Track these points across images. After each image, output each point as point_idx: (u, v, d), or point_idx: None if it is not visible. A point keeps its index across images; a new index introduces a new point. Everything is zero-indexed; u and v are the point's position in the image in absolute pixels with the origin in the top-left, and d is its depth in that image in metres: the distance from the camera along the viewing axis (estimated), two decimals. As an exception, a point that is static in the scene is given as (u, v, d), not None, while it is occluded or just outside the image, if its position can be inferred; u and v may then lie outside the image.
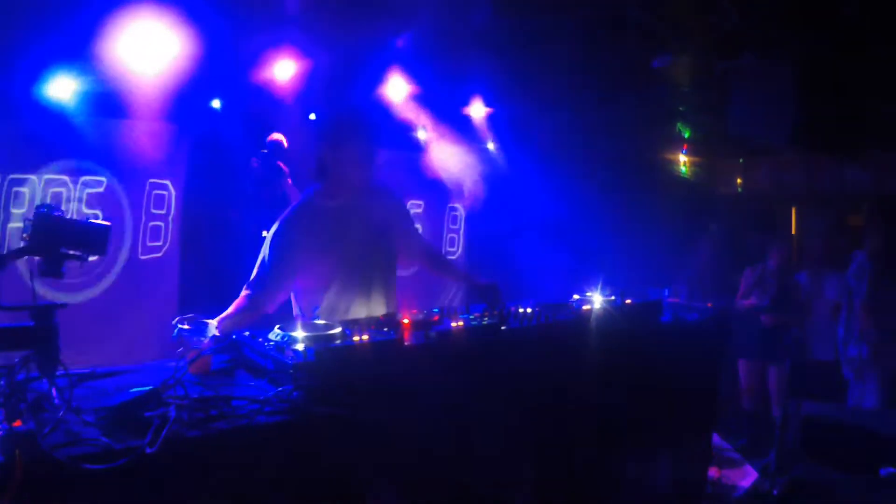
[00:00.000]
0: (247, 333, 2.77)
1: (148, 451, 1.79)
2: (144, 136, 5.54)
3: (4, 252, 2.20)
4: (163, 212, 5.75)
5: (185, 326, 2.66)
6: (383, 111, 6.42)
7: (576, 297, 3.91)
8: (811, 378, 6.59)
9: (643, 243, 8.21)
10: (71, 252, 2.34)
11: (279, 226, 3.53)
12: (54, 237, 2.28)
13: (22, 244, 2.29)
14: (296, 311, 3.64)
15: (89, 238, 2.37)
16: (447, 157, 7.58)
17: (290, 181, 6.07)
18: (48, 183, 5.05)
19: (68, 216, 2.34)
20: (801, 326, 6.92)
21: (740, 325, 6.88)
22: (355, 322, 2.96)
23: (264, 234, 3.63)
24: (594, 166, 8.51)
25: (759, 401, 6.82)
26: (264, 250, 3.51)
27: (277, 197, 5.93)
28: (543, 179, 8.21)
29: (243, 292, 3.44)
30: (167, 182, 5.76)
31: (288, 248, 3.46)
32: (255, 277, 3.48)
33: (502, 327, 3.05)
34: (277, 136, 6.02)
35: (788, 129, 4.98)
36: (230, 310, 3.31)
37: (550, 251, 7.40)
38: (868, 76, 5.22)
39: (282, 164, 5.97)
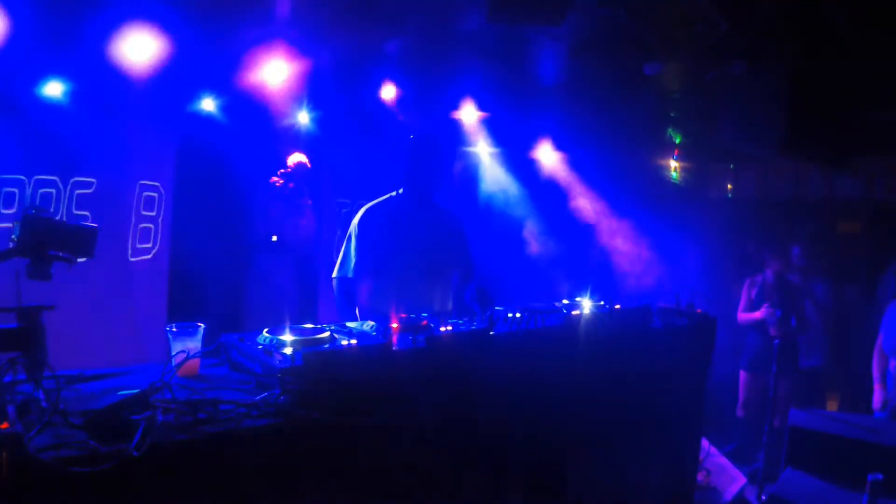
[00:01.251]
0: (238, 337, 2.77)
1: (135, 454, 1.79)
2: (135, 137, 5.54)
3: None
4: (153, 214, 5.74)
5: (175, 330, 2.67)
6: (377, 113, 6.46)
7: (565, 301, 3.92)
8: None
9: (633, 248, 8.24)
10: (59, 254, 2.35)
11: (363, 215, 4.22)
12: (42, 239, 2.28)
13: (10, 246, 2.29)
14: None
15: (77, 240, 2.37)
16: None
17: (309, 202, 6.11)
18: (38, 184, 5.03)
19: (57, 218, 2.34)
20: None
21: (742, 337, 6.90)
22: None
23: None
24: (585, 172, 8.55)
25: (754, 411, 6.79)
26: (348, 238, 4.20)
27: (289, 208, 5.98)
28: (533, 184, 8.25)
29: (334, 283, 4.23)
30: (157, 184, 5.75)
31: (369, 233, 4.14)
32: (340, 263, 4.19)
33: (491, 332, 3.06)
34: (301, 157, 6.05)
35: (777, 136, 5.00)
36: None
37: (539, 256, 7.42)
38: (857, 84, 5.25)
39: (301, 185, 6.04)
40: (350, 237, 4.20)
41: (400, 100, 6.39)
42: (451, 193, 4.56)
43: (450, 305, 4.30)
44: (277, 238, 5.99)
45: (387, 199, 4.35)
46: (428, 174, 4.26)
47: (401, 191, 4.34)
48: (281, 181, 5.98)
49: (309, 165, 6.11)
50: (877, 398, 5.82)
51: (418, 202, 4.31)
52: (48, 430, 1.91)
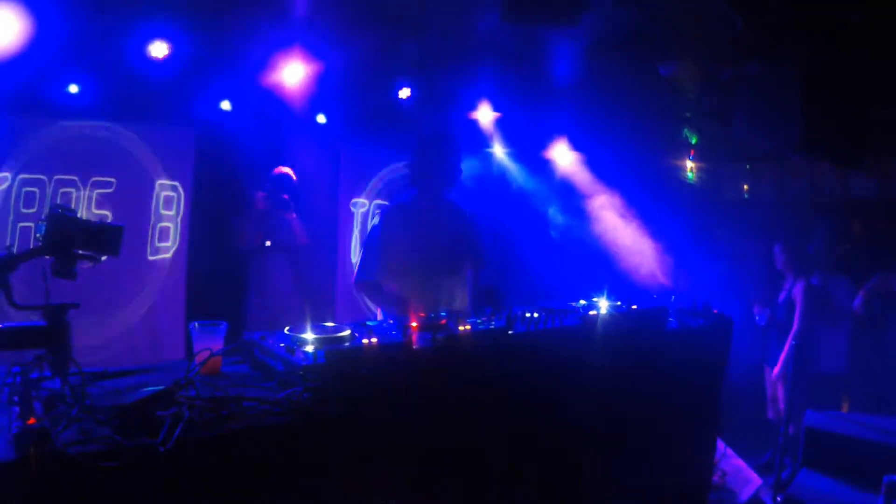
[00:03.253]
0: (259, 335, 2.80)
1: (161, 449, 1.82)
2: (154, 138, 5.58)
3: (15, 252, 2.23)
4: (171, 213, 5.78)
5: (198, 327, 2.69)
6: (392, 113, 6.47)
7: (582, 302, 3.93)
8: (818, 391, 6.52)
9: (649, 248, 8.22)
10: (84, 253, 2.37)
11: (380, 219, 4.32)
12: (68, 238, 2.30)
13: (35, 244, 2.32)
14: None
15: (103, 239, 2.39)
16: None
17: (294, 215, 6.13)
18: (58, 184, 5.08)
19: (79, 217, 2.36)
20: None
21: (766, 335, 6.88)
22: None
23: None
24: (601, 171, 8.54)
25: (780, 411, 6.72)
26: (368, 240, 4.31)
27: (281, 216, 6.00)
28: (548, 184, 8.24)
29: (357, 286, 4.34)
30: (176, 184, 5.79)
31: (388, 235, 4.21)
32: (361, 265, 4.24)
33: (509, 332, 3.07)
34: (285, 169, 6.07)
35: (793, 136, 4.98)
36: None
37: (556, 256, 7.41)
38: (873, 83, 5.23)
39: (287, 198, 6.05)
40: (370, 240, 4.29)
41: (416, 100, 6.41)
42: (461, 189, 4.60)
43: (465, 300, 4.40)
44: (271, 244, 6.00)
45: (403, 199, 4.45)
46: (439, 172, 4.34)
47: (415, 190, 4.42)
48: (263, 194, 6.02)
49: (294, 178, 6.14)
50: None
51: (432, 200, 4.40)
52: (74, 426, 1.93)
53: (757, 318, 6.94)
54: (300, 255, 6.30)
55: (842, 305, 6.62)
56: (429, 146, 4.35)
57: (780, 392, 6.64)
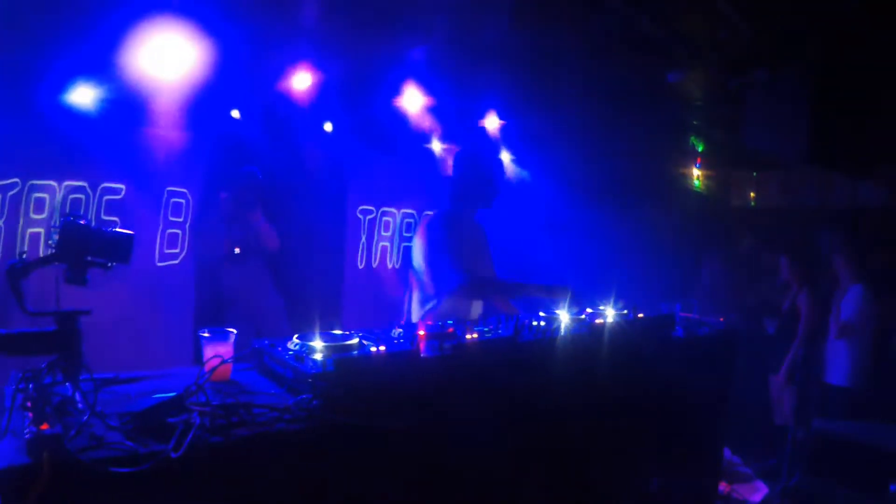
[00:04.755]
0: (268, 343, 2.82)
1: (173, 455, 1.83)
2: (163, 144, 5.61)
3: (26, 257, 2.26)
4: (180, 219, 5.80)
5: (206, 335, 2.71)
6: (399, 121, 6.49)
7: (589, 310, 3.94)
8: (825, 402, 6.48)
9: (656, 256, 8.24)
10: (96, 260, 2.39)
11: (436, 223, 4.34)
12: (81, 245, 2.33)
13: (48, 251, 2.34)
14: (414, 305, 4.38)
15: (114, 246, 2.41)
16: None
17: (260, 217, 6.07)
18: (68, 189, 5.11)
19: (91, 224, 2.39)
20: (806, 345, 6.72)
21: (771, 342, 6.87)
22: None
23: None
24: (608, 179, 8.55)
25: (787, 419, 6.68)
26: (447, 243, 4.20)
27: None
28: (557, 192, 8.25)
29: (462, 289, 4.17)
30: (185, 190, 5.81)
31: (456, 238, 4.23)
32: (452, 268, 4.10)
33: (516, 340, 3.09)
34: (251, 167, 6.03)
35: (801, 144, 4.98)
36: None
37: (563, 264, 7.42)
38: (882, 91, 5.23)
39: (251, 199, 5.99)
40: (450, 243, 4.22)
41: (426, 108, 6.43)
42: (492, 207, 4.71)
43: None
44: (240, 251, 5.96)
45: (444, 210, 4.50)
46: (482, 190, 4.49)
47: (452, 203, 4.52)
48: (227, 196, 5.99)
49: (259, 176, 6.05)
50: None
51: (468, 215, 4.55)
52: (86, 432, 1.96)
53: (768, 328, 6.94)
54: (282, 257, 6.27)
55: (851, 316, 6.54)
56: (473, 164, 4.50)
57: (786, 399, 6.63)
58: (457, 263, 4.11)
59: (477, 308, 4.45)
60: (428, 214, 4.89)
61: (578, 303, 3.87)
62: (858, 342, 6.40)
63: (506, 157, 7.93)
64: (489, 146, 4.96)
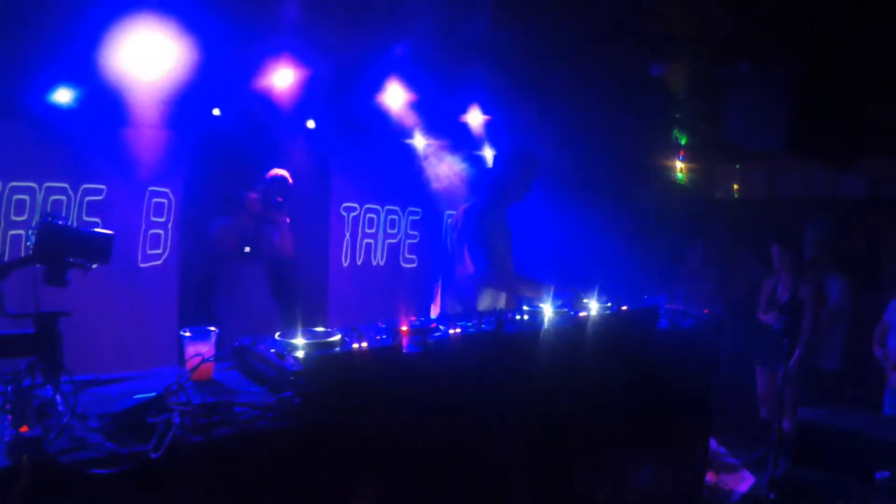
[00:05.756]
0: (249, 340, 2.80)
1: (153, 455, 1.83)
2: (144, 144, 5.57)
3: (6, 260, 2.23)
4: (162, 220, 5.77)
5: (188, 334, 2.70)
6: (382, 118, 6.47)
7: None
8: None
9: (640, 249, 8.25)
10: (75, 261, 2.38)
11: (474, 215, 4.58)
12: (59, 246, 2.31)
13: (26, 253, 2.32)
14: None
15: (93, 247, 2.40)
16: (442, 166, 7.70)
17: (287, 220, 6.10)
18: (49, 191, 5.07)
19: (70, 224, 2.37)
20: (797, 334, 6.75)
21: (760, 333, 6.89)
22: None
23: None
24: (591, 173, 8.57)
25: (775, 409, 6.71)
26: (484, 235, 4.47)
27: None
28: (540, 186, 8.25)
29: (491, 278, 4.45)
30: (167, 190, 5.78)
31: (487, 227, 4.50)
32: (488, 258, 4.39)
33: (499, 334, 3.08)
34: (281, 171, 6.04)
35: (784, 136, 5.00)
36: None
37: (548, 257, 7.43)
38: (864, 83, 5.26)
39: (280, 201, 6.00)
40: (485, 235, 4.50)
41: (409, 104, 6.41)
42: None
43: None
44: (251, 250, 5.94)
45: (478, 203, 4.76)
46: (517, 189, 4.80)
47: (486, 197, 4.78)
48: (257, 196, 5.97)
49: (290, 181, 6.08)
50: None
51: (502, 210, 4.82)
52: (66, 433, 1.94)
53: (771, 322, 6.91)
54: (286, 261, 6.25)
55: (837, 304, 6.63)
56: (515, 164, 4.80)
57: (786, 392, 6.64)
58: (488, 255, 4.38)
59: (503, 300, 4.57)
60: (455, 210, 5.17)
61: (567, 297, 3.91)
62: (845, 327, 6.51)
63: (488, 151, 7.92)
64: (529, 148, 5.06)
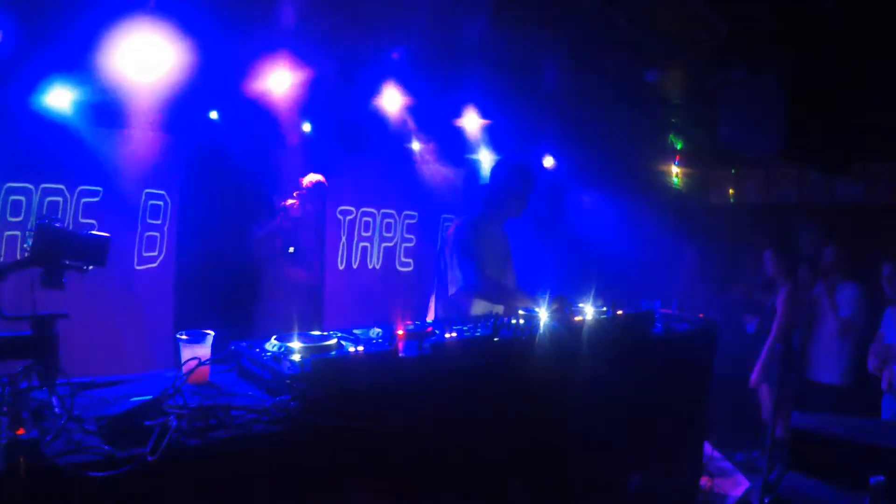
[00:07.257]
0: (244, 344, 2.81)
1: (150, 458, 1.83)
2: (141, 146, 5.57)
3: (3, 261, 2.24)
4: (158, 222, 5.77)
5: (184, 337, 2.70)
6: (378, 121, 6.48)
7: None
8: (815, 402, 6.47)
9: (636, 253, 8.27)
10: (72, 263, 2.38)
11: (465, 227, 4.54)
12: (56, 249, 2.32)
13: (24, 255, 2.33)
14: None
15: (90, 249, 2.41)
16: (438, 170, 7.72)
17: (325, 220, 6.15)
18: (45, 193, 5.08)
19: (67, 227, 2.37)
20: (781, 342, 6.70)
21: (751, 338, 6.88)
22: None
23: None
24: (587, 178, 8.59)
25: (770, 414, 6.67)
26: (466, 247, 4.41)
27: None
28: (535, 192, 8.26)
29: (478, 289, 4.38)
30: (163, 192, 5.78)
31: (481, 244, 4.44)
32: (474, 269, 4.32)
33: (494, 338, 3.09)
34: (319, 176, 6.04)
35: (779, 141, 5.02)
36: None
37: (543, 262, 7.44)
38: (858, 89, 5.28)
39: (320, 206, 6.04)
40: (468, 247, 4.42)
41: (405, 108, 6.42)
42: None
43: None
44: (294, 250, 5.96)
45: (473, 215, 4.69)
46: (516, 203, 4.75)
47: (482, 209, 4.73)
48: (297, 202, 5.96)
49: (326, 184, 6.10)
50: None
51: (497, 223, 4.79)
52: (63, 436, 1.95)
53: (747, 326, 6.96)
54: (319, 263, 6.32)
55: (847, 314, 6.53)
56: (511, 177, 4.73)
57: (765, 396, 6.64)
58: (478, 268, 4.31)
59: (499, 310, 4.50)
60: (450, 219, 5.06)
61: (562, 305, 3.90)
62: (854, 341, 6.43)
63: (485, 156, 7.93)
64: (528, 161, 5.06)
